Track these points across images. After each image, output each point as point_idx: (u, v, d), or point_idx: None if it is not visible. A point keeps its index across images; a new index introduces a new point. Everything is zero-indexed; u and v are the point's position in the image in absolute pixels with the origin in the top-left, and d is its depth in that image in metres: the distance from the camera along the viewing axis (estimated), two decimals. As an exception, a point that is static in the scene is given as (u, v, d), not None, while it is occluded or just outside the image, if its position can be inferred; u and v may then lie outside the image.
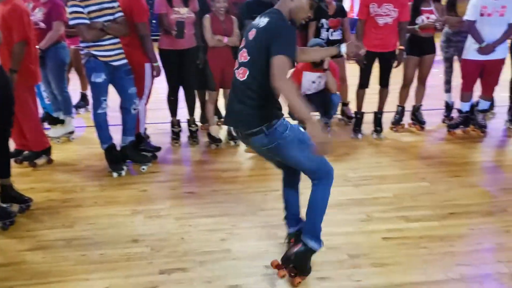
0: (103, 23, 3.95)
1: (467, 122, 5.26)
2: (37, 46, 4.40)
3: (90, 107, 5.82)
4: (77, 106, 6.19)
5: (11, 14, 3.83)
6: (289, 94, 2.18)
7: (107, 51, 4.04)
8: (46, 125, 5.26)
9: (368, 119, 5.27)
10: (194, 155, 4.86)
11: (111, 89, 4.22)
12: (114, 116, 4.47)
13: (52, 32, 4.81)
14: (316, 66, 4.86)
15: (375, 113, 5.25)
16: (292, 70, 2.57)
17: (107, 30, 3.97)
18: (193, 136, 5.09)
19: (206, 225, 3.38)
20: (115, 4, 4.06)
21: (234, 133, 2.56)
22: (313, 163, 2.49)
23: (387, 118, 5.40)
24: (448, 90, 5.66)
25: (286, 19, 2.37)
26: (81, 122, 5.86)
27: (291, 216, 2.87)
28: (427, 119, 5.48)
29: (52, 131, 5.16)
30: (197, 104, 5.16)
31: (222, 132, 5.31)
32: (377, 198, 3.75)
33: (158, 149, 4.76)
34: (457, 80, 5.41)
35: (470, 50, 4.89)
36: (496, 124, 5.50)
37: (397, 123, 5.45)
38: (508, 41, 4.94)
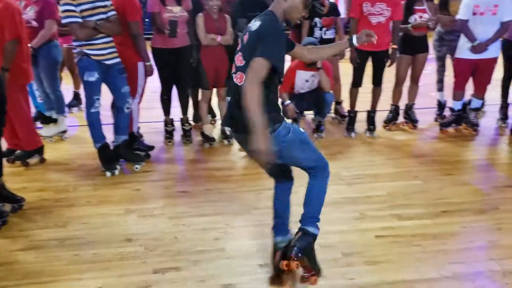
0: (96, 21, 3.94)
1: (459, 121, 5.29)
2: (29, 45, 4.38)
3: (83, 106, 5.80)
4: (70, 105, 6.16)
5: (3, 12, 3.80)
6: (251, 100, 2.18)
7: (99, 50, 4.02)
8: (38, 124, 5.23)
9: (361, 117, 5.29)
10: (187, 154, 4.85)
11: (104, 88, 4.20)
12: (106, 115, 4.46)
13: (45, 30, 4.78)
14: (310, 64, 4.87)
15: (368, 112, 5.26)
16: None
17: (100, 29, 3.96)
18: (186, 135, 5.09)
19: (199, 224, 3.38)
20: (107, 3, 4.04)
21: (229, 134, 2.53)
22: (311, 160, 2.51)
23: (380, 117, 5.42)
24: (440, 88, 5.68)
25: (279, 21, 2.35)
26: (74, 121, 5.83)
27: (281, 226, 2.78)
28: (419, 117, 5.51)
29: (44, 130, 5.14)
30: (190, 103, 5.16)
31: (215, 131, 5.31)
32: (371, 196, 3.76)
33: (151, 148, 4.75)
34: (449, 79, 5.43)
35: (463, 49, 4.92)
36: (488, 122, 5.53)
37: (389, 121, 5.47)
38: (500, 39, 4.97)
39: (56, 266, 2.91)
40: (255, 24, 2.35)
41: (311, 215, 2.60)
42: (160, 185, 4.08)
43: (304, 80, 5.05)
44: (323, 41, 5.18)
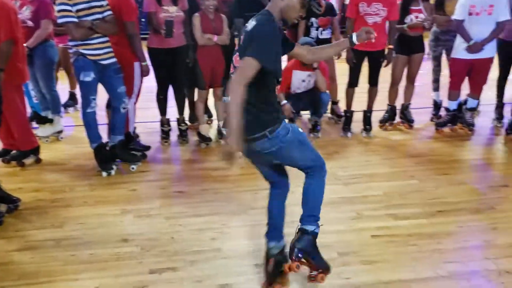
0: (92, 21, 3.93)
1: (455, 121, 5.31)
2: (24, 45, 4.36)
3: (79, 106, 5.79)
4: (66, 105, 6.15)
5: (-2, 12, 3.78)
6: (233, 98, 2.18)
7: (96, 50, 4.01)
8: (34, 124, 5.21)
9: (358, 117, 5.30)
10: (183, 154, 4.85)
11: (100, 88, 4.19)
12: (102, 115, 4.45)
13: (40, 30, 4.76)
14: (306, 64, 4.88)
15: (365, 112, 5.28)
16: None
17: (96, 28, 3.95)
18: (182, 135, 5.09)
19: (196, 224, 3.38)
20: (103, 3, 4.03)
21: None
22: (310, 160, 2.51)
23: (377, 117, 5.43)
24: (436, 88, 5.70)
25: (274, 21, 2.32)
26: (70, 121, 5.82)
27: (275, 231, 2.71)
28: (415, 117, 5.52)
29: (40, 130, 5.12)
30: (186, 103, 5.15)
31: (212, 131, 5.31)
32: (367, 196, 3.77)
33: (147, 148, 4.75)
34: (445, 78, 5.45)
35: (459, 49, 4.93)
36: (483, 122, 5.55)
37: (385, 121, 5.49)
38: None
39: (53, 266, 2.90)
40: (251, 24, 2.36)
41: (309, 213, 2.59)
42: (157, 185, 4.07)
43: (300, 80, 5.05)
44: (319, 41, 5.18)
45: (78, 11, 3.89)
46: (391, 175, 4.20)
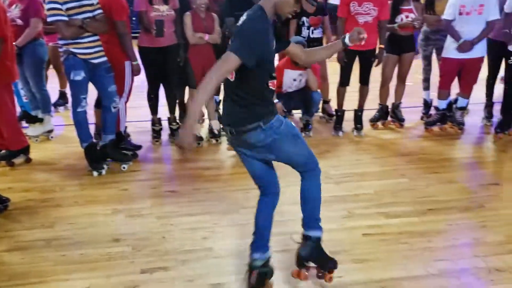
0: (82, 20, 3.91)
1: (444, 120, 5.35)
2: (14, 43, 4.32)
3: (69, 105, 5.75)
4: (56, 104, 6.11)
5: (-13, 10, 3.75)
6: (203, 88, 2.17)
7: (86, 49, 3.99)
8: (24, 123, 5.17)
9: (349, 116, 5.32)
10: (175, 153, 4.83)
11: (90, 87, 4.17)
12: (91, 114, 4.42)
13: (30, 29, 4.73)
14: (297, 63, 4.88)
15: (356, 111, 5.30)
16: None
17: (86, 27, 3.93)
18: (174, 134, 5.07)
19: (187, 223, 3.37)
20: (94, 1, 4.01)
21: (228, 133, 2.48)
22: (304, 156, 2.50)
23: (368, 116, 5.46)
24: (426, 87, 5.74)
25: (265, 17, 2.29)
26: (60, 120, 5.78)
27: (261, 241, 2.63)
28: (406, 116, 5.56)
29: (30, 130, 5.08)
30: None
31: (203, 130, 5.30)
32: (358, 194, 3.79)
33: (138, 147, 4.73)
34: (435, 77, 5.49)
35: (450, 49, 4.97)
36: (473, 121, 5.60)
37: (376, 120, 5.52)
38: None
39: (43, 267, 2.88)
40: (242, 19, 2.34)
41: (310, 217, 2.59)
42: (148, 185, 4.06)
43: (292, 79, 5.06)
44: (310, 40, 5.20)
45: (68, 9, 3.87)
46: (382, 173, 4.22)
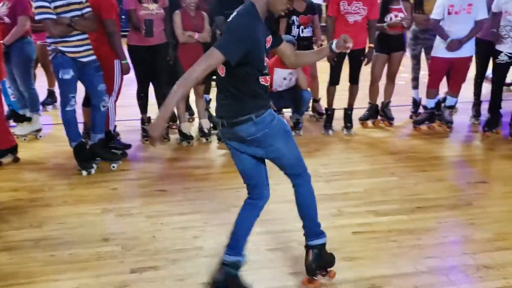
0: (71, 18, 3.87)
1: (433, 118, 5.39)
2: (1, 42, 4.28)
3: (58, 104, 5.71)
4: (44, 103, 6.06)
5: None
6: (183, 80, 2.17)
7: (75, 47, 3.96)
8: (11, 122, 5.12)
9: (339, 115, 5.34)
10: (165, 152, 4.82)
11: (78, 85, 4.14)
12: (79, 113, 4.39)
13: (17, 27, 4.68)
14: (287, 63, 4.88)
15: (345, 110, 5.32)
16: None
17: (75, 25, 3.90)
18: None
19: (178, 223, 3.36)
20: (82, -1, 3.98)
21: (220, 125, 2.46)
22: (294, 157, 2.49)
23: (357, 115, 5.48)
24: (415, 86, 5.78)
25: (254, 14, 2.27)
26: (49, 119, 5.73)
27: (236, 244, 2.55)
28: (395, 115, 5.59)
29: (18, 129, 5.04)
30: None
31: (193, 129, 5.28)
32: (348, 193, 3.81)
33: (128, 146, 4.71)
34: (424, 76, 5.53)
35: (439, 48, 5.01)
36: (461, 119, 5.65)
37: (365, 119, 5.54)
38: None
39: (32, 267, 2.86)
40: (232, 15, 2.34)
41: (312, 225, 2.59)
42: (138, 184, 4.04)
43: (282, 78, 5.06)
44: (300, 39, 5.22)
45: (56, 7, 3.83)
46: (371, 172, 4.24)
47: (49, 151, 4.74)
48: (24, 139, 5.00)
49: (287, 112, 5.65)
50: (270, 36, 2.40)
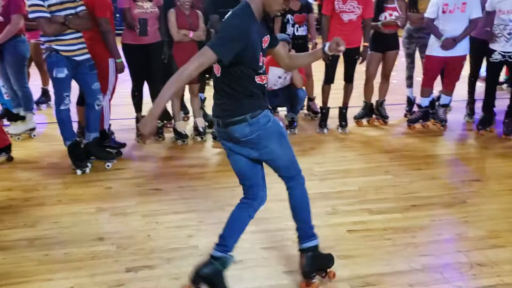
0: (65, 16, 3.86)
1: (427, 117, 5.41)
2: (-6, 40, 4.27)
3: (51, 102, 5.68)
4: (38, 102, 6.03)
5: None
6: (174, 78, 2.17)
7: (69, 46, 3.94)
8: (5, 121, 5.10)
9: (334, 114, 5.35)
10: (159, 151, 4.81)
11: (72, 84, 4.12)
12: (73, 111, 4.37)
13: (11, 25, 4.66)
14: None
15: (340, 108, 5.33)
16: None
17: (69, 24, 3.88)
18: (158, 132, 5.04)
19: (173, 221, 3.36)
20: (76, -2, 3.97)
21: (216, 125, 2.47)
22: (288, 159, 2.48)
23: (352, 113, 5.50)
24: (409, 85, 5.80)
25: (249, 13, 2.27)
26: (43, 118, 5.71)
27: (226, 241, 2.53)
28: (390, 113, 5.61)
29: (12, 128, 5.01)
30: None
31: (188, 127, 5.28)
32: (342, 191, 3.82)
33: (123, 145, 4.70)
34: (418, 75, 5.55)
35: (434, 47, 5.03)
36: (455, 118, 5.67)
37: (360, 117, 5.56)
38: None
39: (26, 266, 2.84)
40: (227, 15, 2.34)
41: (305, 227, 2.59)
42: (132, 183, 4.03)
43: (276, 77, 5.06)
44: (295, 38, 5.22)
45: (50, 6, 3.82)
46: (366, 170, 4.25)
47: (43, 150, 4.73)
48: (18, 138, 4.98)
49: (282, 110, 5.66)
50: (268, 36, 2.40)
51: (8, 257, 2.93)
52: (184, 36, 4.65)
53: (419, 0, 5.33)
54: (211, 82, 6.51)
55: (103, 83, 4.30)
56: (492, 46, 4.93)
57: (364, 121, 5.57)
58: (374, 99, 5.55)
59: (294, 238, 2.80)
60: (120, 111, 5.44)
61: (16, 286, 2.67)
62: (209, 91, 6.22)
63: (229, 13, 2.32)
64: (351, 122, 5.43)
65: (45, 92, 6.14)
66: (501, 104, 5.39)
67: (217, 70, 2.35)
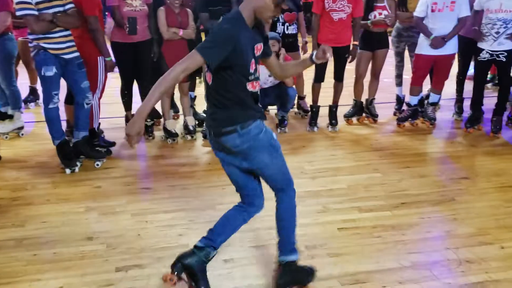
0: (53, 14, 3.82)
1: (416, 115, 5.45)
2: (-19, 38, 4.21)
3: (40, 101, 5.63)
4: (26, 101, 5.97)
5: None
6: (161, 81, 2.15)
7: (57, 44, 3.91)
8: (-7, 120, 5.05)
9: (324, 112, 5.36)
10: (150, 150, 4.79)
11: (61, 82, 4.09)
12: (61, 110, 4.34)
13: (-2, 23, 4.60)
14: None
15: (330, 107, 5.35)
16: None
17: (57, 22, 3.85)
18: (148, 130, 5.02)
19: (163, 220, 3.35)
20: (65, -5, 3.93)
21: (208, 135, 2.48)
22: (278, 171, 2.46)
23: (342, 112, 5.52)
24: (399, 84, 5.83)
25: (240, 20, 2.27)
26: (31, 117, 5.66)
27: (214, 236, 2.55)
28: (379, 112, 5.64)
29: (-1, 127, 4.96)
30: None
31: (178, 126, 5.26)
32: (333, 189, 3.83)
33: (112, 144, 4.67)
34: (407, 73, 5.58)
35: (423, 46, 5.06)
36: (444, 116, 5.72)
37: (350, 116, 5.58)
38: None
39: (15, 267, 2.82)
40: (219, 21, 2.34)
41: (286, 242, 2.55)
42: (122, 182, 4.01)
43: (267, 75, 5.06)
44: (285, 36, 5.23)
45: (37, 3, 3.78)
46: (356, 168, 4.27)
47: (31, 149, 4.68)
48: (6, 137, 4.93)
49: (273, 109, 5.67)
50: (261, 44, 2.39)
51: (-4, 257, 2.91)
52: (174, 34, 4.64)
53: (408, -1, 5.36)
54: (202, 80, 6.50)
55: (93, 81, 4.26)
56: (480, 45, 4.97)
57: (354, 119, 5.60)
58: (363, 97, 5.58)
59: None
60: (110, 109, 5.41)
61: (4, 287, 2.64)
62: (199, 90, 6.21)
63: (221, 18, 2.32)
64: (341, 121, 5.45)
65: (33, 91, 6.08)
66: (489, 103, 5.45)
67: (209, 78, 2.35)
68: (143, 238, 3.12)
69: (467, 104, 5.52)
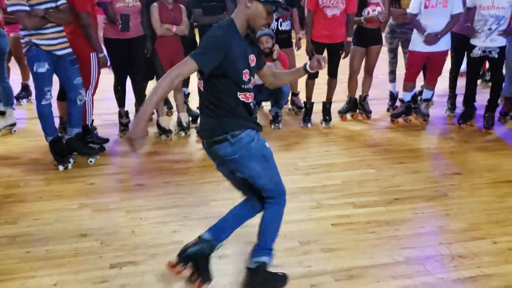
0: (45, 10, 3.79)
1: (409, 111, 5.47)
2: (-28, 34, 4.18)
3: (32, 98, 5.60)
4: (18, 97, 5.93)
5: None
6: (156, 88, 2.16)
7: (49, 40, 3.88)
8: (-16, 117, 5.01)
9: (318, 108, 5.37)
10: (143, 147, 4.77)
11: (53, 79, 4.06)
12: (54, 106, 4.32)
13: (-11, 19, 4.57)
14: (266, 56, 4.89)
15: (324, 103, 5.35)
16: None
17: (49, 18, 3.82)
18: (142, 127, 5.00)
19: (157, 217, 3.34)
20: (57, -9, 3.90)
21: (202, 143, 2.49)
22: (270, 181, 2.45)
23: (336, 108, 5.52)
24: (392, 80, 5.84)
25: (232, 28, 2.27)
26: (23, 113, 5.62)
27: (217, 229, 2.58)
28: (373, 108, 5.65)
29: (-9, 124, 4.93)
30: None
31: (172, 122, 5.25)
32: (326, 185, 3.84)
33: (105, 140, 4.65)
34: (401, 70, 5.60)
35: (416, 42, 5.07)
36: (437, 112, 5.74)
37: (344, 112, 5.59)
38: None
39: (8, 264, 2.81)
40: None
41: (263, 247, 2.53)
42: (116, 179, 4.00)
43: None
44: (279, 33, 5.22)
45: (29, -1, 3.75)
46: (349, 164, 4.28)
47: (24, 146, 4.66)
48: (-2, 134, 4.90)
49: (266, 105, 5.66)
50: (254, 56, 2.38)
51: (-11, 255, 2.89)
52: (167, 30, 4.62)
53: (401, -5, 5.37)
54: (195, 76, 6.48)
55: (85, 77, 4.24)
56: (472, 41, 4.99)
57: (349, 115, 5.61)
58: (357, 93, 5.59)
59: (280, 233, 2.82)
60: (103, 105, 5.38)
61: (-3, 284, 2.64)
62: (192, 86, 6.20)
63: (214, 25, 2.33)
64: (335, 117, 5.45)
65: (25, 87, 6.04)
66: (481, 99, 5.48)
67: (201, 85, 2.36)
68: (137, 235, 3.12)
69: (459, 100, 5.54)
